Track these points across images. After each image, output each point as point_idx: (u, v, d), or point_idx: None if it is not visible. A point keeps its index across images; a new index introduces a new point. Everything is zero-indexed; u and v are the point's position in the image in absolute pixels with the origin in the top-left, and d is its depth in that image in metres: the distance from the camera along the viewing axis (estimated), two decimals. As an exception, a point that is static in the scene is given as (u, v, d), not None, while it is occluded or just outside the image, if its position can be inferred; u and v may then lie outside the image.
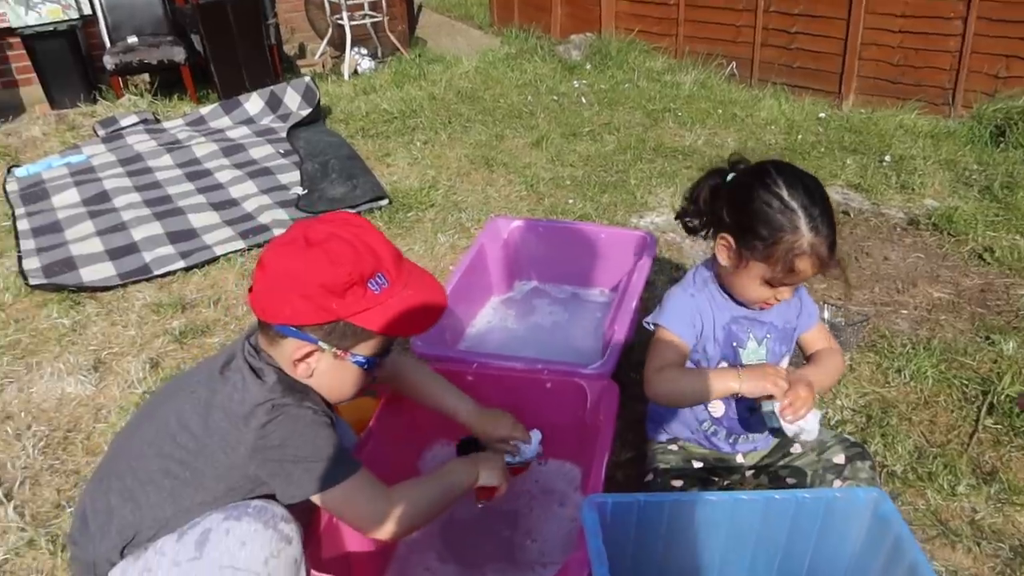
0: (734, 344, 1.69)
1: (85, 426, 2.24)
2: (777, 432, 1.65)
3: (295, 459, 1.32)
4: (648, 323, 1.74)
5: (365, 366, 1.41)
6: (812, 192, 1.52)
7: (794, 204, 1.49)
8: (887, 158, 3.84)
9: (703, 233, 1.72)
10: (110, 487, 1.40)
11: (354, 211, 3.35)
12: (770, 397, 1.59)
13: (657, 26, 5.90)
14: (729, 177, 1.64)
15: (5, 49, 5.62)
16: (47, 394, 2.37)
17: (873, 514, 1.46)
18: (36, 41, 5.30)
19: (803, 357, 1.83)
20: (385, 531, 1.39)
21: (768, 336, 1.71)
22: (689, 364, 1.72)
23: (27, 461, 2.10)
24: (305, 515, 1.44)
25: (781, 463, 1.83)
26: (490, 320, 2.46)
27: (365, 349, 1.39)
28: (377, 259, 1.34)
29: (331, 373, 1.40)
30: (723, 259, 1.62)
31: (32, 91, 5.66)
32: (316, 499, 1.36)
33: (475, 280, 2.41)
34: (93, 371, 2.46)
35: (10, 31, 5.36)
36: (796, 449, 1.83)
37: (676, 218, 1.80)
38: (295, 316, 1.32)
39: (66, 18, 5.32)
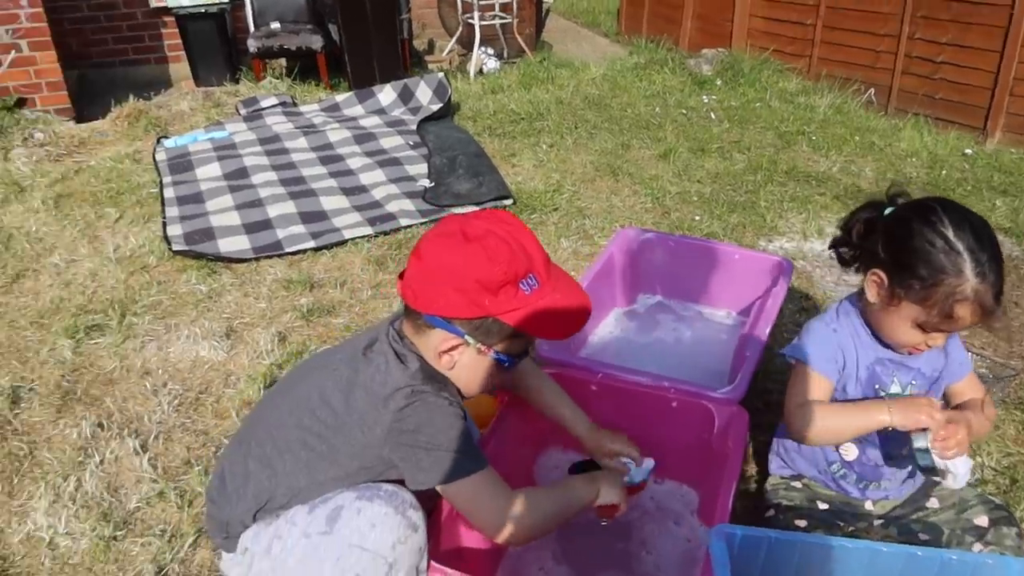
0: (876, 387, 1.61)
1: (215, 390, 2.34)
2: (926, 471, 1.54)
3: (427, 446, 1.34)
4: (787, 356, 1.67)
5: (505, 364, 1.42)
6: (980, 234, 1.42)
7: (960, 246, 1.39)
8: (1042, 202, 3.59)
9: (855, 267, 1.64)
10: (250, 452, 1.45)
11: (478, 207, 3.38)
12: (924, 430, 1.50)
13: (791, 46, 5.72)
14: (888, 211, 1.56)
15: (160, 27, 5.99)
16: (182, 355, 2.49)
17: (1026, 587, 1.36)
18: (188, 21, 5.63)
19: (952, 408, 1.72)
20: (504, 533, 1.38)
21: (913, 383, 1.62)
22: None
23: (162, 416, 2.21)
24: (427, 504, 1.45)
25: (914, 516, 1.73)
26: (612, 331, 2.43)
27: (507, 347, 1.40)
28: (530, 260, 1.34)
29: (471, 367, 1.41)
30: (872, 296, 1.54)
31: (180, 68, 6.02)
32: (441, 489, 1.37)
33: (601, 289, 2.39)
34: (225, 338, 2.57)
35: (166, 10, 5.70)
36: (933, 504, 1.73)
37: (830, 247, 1.72)
38: (448, 308, 1.34)
39: (216, 1, 5.62)
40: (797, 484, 1.78)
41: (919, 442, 1.50)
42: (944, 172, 3.97)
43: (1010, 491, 1.97)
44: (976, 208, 3.40)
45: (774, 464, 1.84)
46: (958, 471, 1.50)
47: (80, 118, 4.95)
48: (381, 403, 1.35)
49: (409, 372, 1.38)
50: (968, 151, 4.30)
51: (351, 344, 1.51)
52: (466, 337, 1.36)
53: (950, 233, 1.41)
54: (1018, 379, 2.36)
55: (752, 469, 2.01)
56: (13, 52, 4.75)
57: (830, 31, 5.46)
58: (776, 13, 5.80)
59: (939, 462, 1.49)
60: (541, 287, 1.34)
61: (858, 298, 1.64)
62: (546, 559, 1.71)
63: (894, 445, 1.64)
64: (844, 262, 1.67)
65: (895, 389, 1.62)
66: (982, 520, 1.64)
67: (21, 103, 4.84)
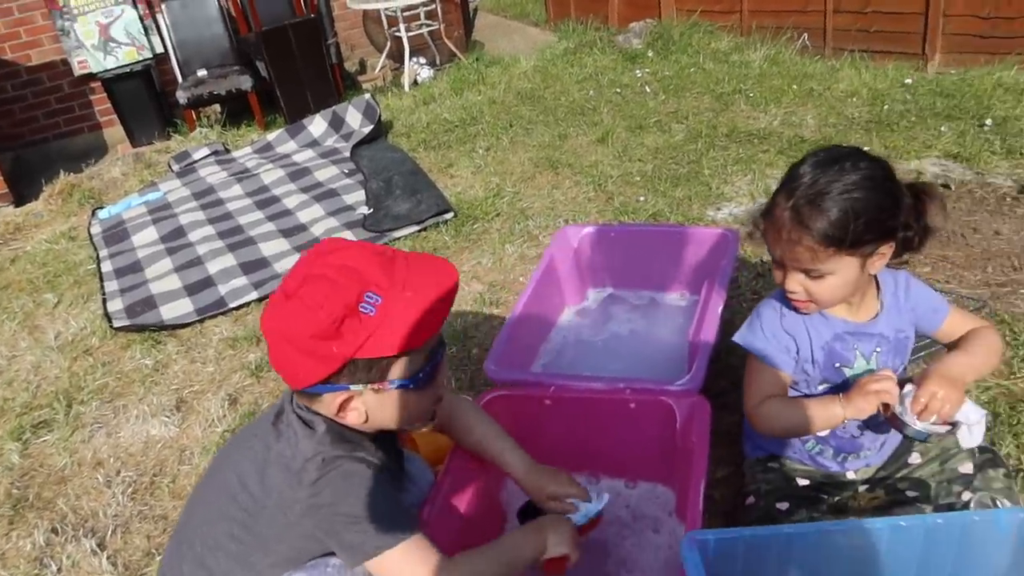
0: (837, 364, 1.53)
1: (170, 469, 2.25)
2: (927, 439, 1.46)
3: (348, 520, 1.22)
4: (739, 343, 1.60)
5: (412, 386, 1.27)
6: (824, 167, 1.38)
7: (799, 169, 1.41)
8: (988, 122, 3.52)
9: None
10: (183, 556, 1.36)
11: (420, 226, 3.30)
12: (886, 407, 1.43)
13: (719, 4, 5.65)
14: None
15: (88, 94, 5.87)
16: (133, 438, 2.40)
17: (1018, 537, 1.28)
18: (115, 83, 5.54)
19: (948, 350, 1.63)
20: None
21: (878, 349, 1.54)
22: (792, 391, 1.59)
23: (117, 509, 2.12)
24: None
25: (899, 475, 1.65)
26: (565, 334, 2.35)
27: (401, 371, 1.25)
28: (361, 279, 1.19)
29: (380, 408, 1.27)
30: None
31: (114, 132, 5.91)
32: (368, 566, 1.24)
33: (547, 293, 2.31)
34: (176, 411, 2.48)
35: (91, 76, 5.60)
36: (915, 459, 1.66)
37: None
38: (309, 374, 1.22)
39: (140, 59, 5.55)
40: (774, 464, 1.71)
41: (905, 419, 1.42)
42: (886, 107, 3.91)
43: (993, 427, 1.90)
44: (922, 138, 3.44)
45: (748, 446, 1.78)
46: (967, 428, 1.43)
47: (19, 201, 4.82)
48: (295, 479, 1.25)
49: (316, 437, 1.27)
50: (908, 80, 4.24)
51: (265, 416, 1.41)
52: (351, 387, 1.23)
53: (802, 163, 1.42)
54: (987, 309, 2.30)
55: (728, 453, 1.93)
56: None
57: (756, -18, 5.39)
58: (700, -27, 5.73)
59: (934, 428, 1.41)
60: (386, 299, 1.19)
61: None
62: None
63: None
64: None
65: (859, 363, 1.54)
66: (967, 467, 1.57)
67: (-45, 195, 4.71)
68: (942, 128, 3.53)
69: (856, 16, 4.94)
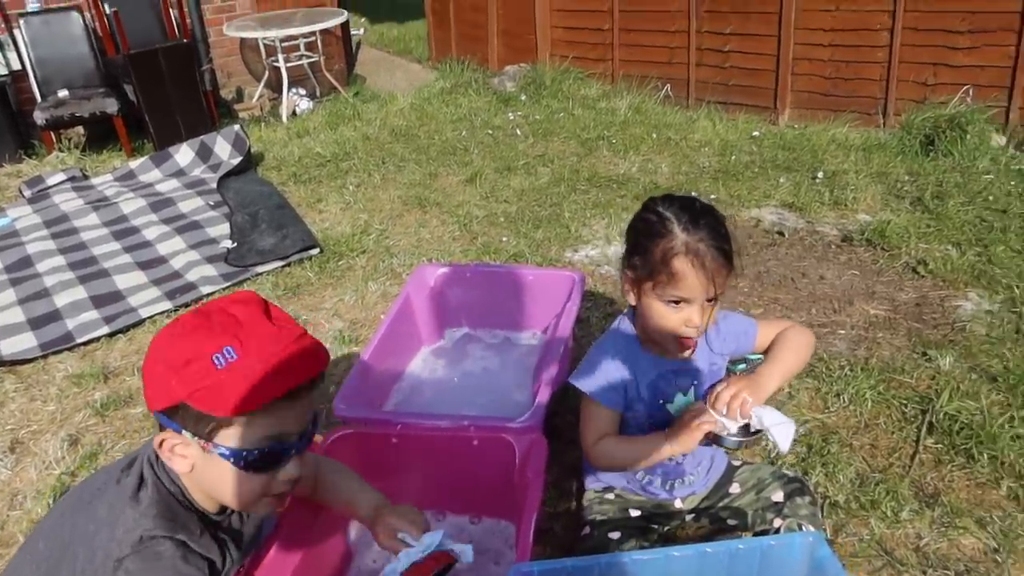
0: (661, 401, 1.65)
1: (-2, 515, 2.12)
2: (739, 448, 1.55)
3: None
4: (573, 384, 1.69)
5: (231, 460, 1.18)
6: (687, 203, 1.54)
7: (668, 213, 1.51)
8: (820, 174, 3.87)
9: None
10: None
11: (284, 262, 3.26)
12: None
13: (593, 52, 5.92)
14: None
15: (-64, 109, 5.45)
16: (-41, 483, 2.24)
17: (811, 559, 1.42)
18: (-35, 100, 5.16)
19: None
20: None
21: (695, 384, 1.67)
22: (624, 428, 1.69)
23: (-65, 559, 1.97)
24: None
25: (721, 504, 1.79)
26: (419, 373, 2.39)
27: (230, 440, 1.17)
28: (233, 333, 1.15)
29: (208, 471, 1.20)
30: (631, 299, 1.60)
31: (-35, 153, 5.49)
32: None
33: (403, 332, 2.35)
34: (10, 452, 2.35)
35: (-62, 89, 5.21)
36: (735, 489, 1.80)
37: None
38: (153, 398, 1.17)
39: (-7, 76, 5.20)
40: (610, 496, 1.81)
41: (720, 429, 1.49)
42: (734, 157, 4.21)
43: (808, 458, 2.08)
44: (763, 187, 3.71)
45: (588, 479, 1.86)
46: (773, 431, 1.49)
47: None
48: (107, 550, 1.17)
49: (140, 508, 1.20)
50: (756, 133, 4.59)
51: (116, 465, 1.33)
52: (183, 433, 1.17)
53: (659, 207, 1.53)
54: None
55: (573, 486, 2.02)
56: None
57: (626, 33, 5.69)
58: (574, 22, 5.99)
59: (746, 439, 1.49)
60: (240, 360, 1.13)
61: (632, 314, 1.68)
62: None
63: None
64: None
65: (679, 397, 1.66)
66: (778, 495, 1.71)
67: None
68: (781, 179, 3.84)
69: (716, 70, 5.31)
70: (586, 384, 1.66)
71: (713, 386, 1.55)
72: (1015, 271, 2.88)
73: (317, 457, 1.55)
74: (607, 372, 1.65)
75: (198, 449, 1.19)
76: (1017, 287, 2.76)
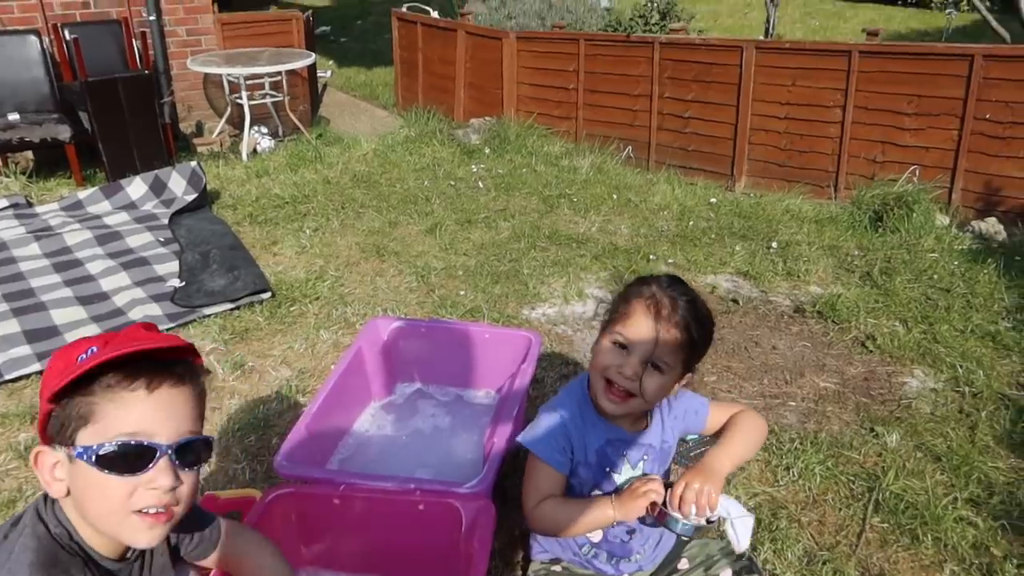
0: (607, 469, 1.62)
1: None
2: (694, 534, 1.50)
3: None
4: (521, 443, 1.65)
5: (87, 458, 1.08)
6: (671, 280, 1.56)
7: (651, 280, 1.55)
8: (774, 244, 3.95)
9: None
10: None
11: (233, 304, 3.17)
12: (654, 506, 1.50)
13: (557, 110, 6.03)
14: None
15: None
16: None
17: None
18: (-95, 119, 4.97)
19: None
20: None
21: (645, 458, 1.64)
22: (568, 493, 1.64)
23: None
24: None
25: (668, 582, 1.75)
26: (367, 428, 2.32)
27: (87, 438, 1.09)
28: (107, 339, 1.12)
29: (75, 483, 1.11)
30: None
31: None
32: None
33: (352, 385, 2.28)
34: (-83, 499, 2.18)
35: None
36: (683, 565, 1.76)
37: None
38: (40, 423, 1.14)
39: (-62, 96, 5.03)
40: (557, 568, 1.76)
41: (672, 514, 1.47)
42: (692, 222, 4.28)
43: (757, 533, 2.06)
44: (718, 255, 3.77)
45: (534, 549, 1.81)
46: (731, 524, 1.48)
47: None
48: None
49: (13, 556, 1.09)
50: (713, 200, 4.68)
51: (8, 521, 1.22)
52: (54, 448, 1.12)
53: (645, 280, 1.57)
54: (759, 419, 2.51)
55: (519, 555, 1.96)
56: None
57: (591, 94, 5.82)
58: (541, 79, 6.10)
59: (698, 521, 1.46)
60: (96, 352, 1.09)
61: (587, 379, 1.66)
62: None
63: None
64: None
65: (626, 469, 1.63)
66: (727, 573, 1.68)
67: None
68: (737, 247, 3.90)
69: (676, 135, 5.45)
70: (533, 442, 1.62)
71: (669, 484, 1.51)
72: (958, 350, 2.95)
73: (236, 525, 1.47)
74: (555, 432, 1.61)
75: (67, 461, 1.11)
76: (960, 366, 2.83)
